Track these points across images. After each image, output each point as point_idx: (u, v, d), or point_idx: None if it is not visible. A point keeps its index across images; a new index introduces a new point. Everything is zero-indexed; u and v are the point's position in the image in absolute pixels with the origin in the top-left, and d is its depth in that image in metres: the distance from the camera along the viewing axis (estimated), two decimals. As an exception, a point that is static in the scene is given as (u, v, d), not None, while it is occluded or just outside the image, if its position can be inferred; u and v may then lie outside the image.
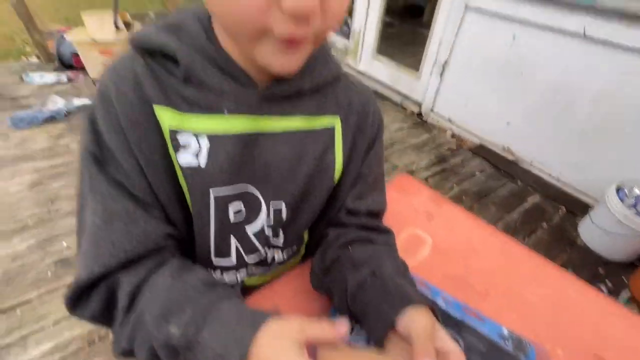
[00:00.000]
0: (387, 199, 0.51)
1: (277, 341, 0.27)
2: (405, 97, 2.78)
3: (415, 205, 0.63)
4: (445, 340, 0.32)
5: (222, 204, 0.38)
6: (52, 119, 2.28)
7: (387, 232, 0.49)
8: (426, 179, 2.01)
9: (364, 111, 0.45)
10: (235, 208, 0.39)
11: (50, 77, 2.77)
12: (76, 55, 2.71)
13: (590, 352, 0.45)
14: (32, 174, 1.85)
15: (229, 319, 0.29)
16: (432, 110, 2.58)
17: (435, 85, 2.47)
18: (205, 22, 0.35)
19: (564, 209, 1.87)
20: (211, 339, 0.28)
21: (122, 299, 0.33)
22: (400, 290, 0.36)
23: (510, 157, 2.18)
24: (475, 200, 1.89)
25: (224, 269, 0.45)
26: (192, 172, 0.35)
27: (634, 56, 1.53)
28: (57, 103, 2.37)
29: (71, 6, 4.80)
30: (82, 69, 2.75)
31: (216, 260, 0.43)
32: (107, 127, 0.33)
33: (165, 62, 0.35)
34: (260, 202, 0.41)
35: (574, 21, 1.66)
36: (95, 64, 2.57)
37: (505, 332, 0.43)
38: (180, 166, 0.35)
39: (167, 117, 0.34)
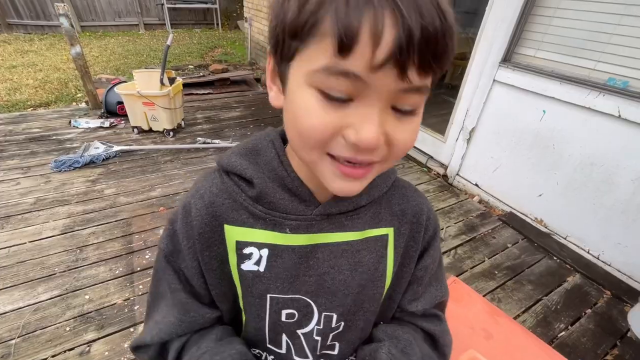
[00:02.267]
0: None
1: None
2: (431, 157, 2.79)
3: (471, 319, 0.59)
4: None
5: (276, 307, 0.42)
6: (91, 163, 2.41)
7: (436, 318, 0.49)
8: (455, 249, 1.94)
9: (417, 222, 0.46)
10: (287, 312, 0.43)
11: (95, 122, 2.98)
12: (121, 103, 2.93)
13: None
14: (66, 218, 1.90)
15: None
16: (458, 173, 2.57)
17: (461, 150, 2.49)
18: (279, 146, 0.40)
19: (609, 294, 1.73)
20: None
21: (171, 353, 0.43)
22: None
23: (543, 229, 2.09)
24: (509, 277, 1.78)
25: (276, 354, 0.47)
26: (253, 275, 0.41)
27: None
28: (98, 148, 2.51)
29: (122, 57, 5.32)
30: (124, 116, 2.95)
31: (270, 346, 0.46)
32: (182, 233, 0.41)
33: (240, 182, 0.40)
34: (312, 310, 0.43)
35: (608, 102, 1.67)
36: (137, 113, 2.76)
37: None
38: (241, 271, 0.41)
39: (234, 233, 0.40)
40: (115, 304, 1.44)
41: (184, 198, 0.43)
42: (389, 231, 0.44)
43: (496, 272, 1.80)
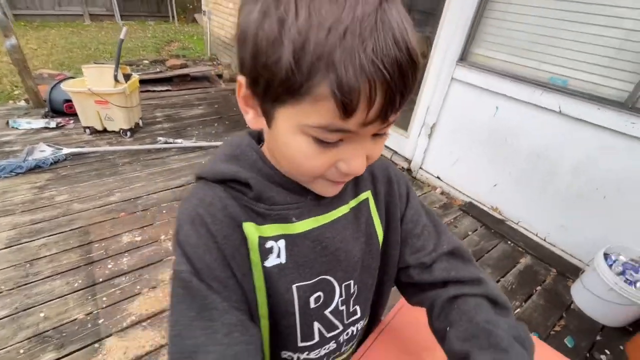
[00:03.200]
0: None
1: None
2: (395, 152, 2.90)
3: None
4: None
5: (304, 296, 0.43)
6: (37, 167, 2.19)
7: (482, 283, 0.46)
8: (422, 239, 2.04)
9: (388, 180, 0.51)
10: (315, 296, 0.44)
11: (38, 122, 2.71)
12: (68, 101, 2.69)
13: None
14: (10, 230, 1.72)
15: None
16: (421, 167, 2.70)
17: (423, 145, 2.61)
18: (257, 149, 0.41)
19: (555, 271, 1.93)
20: None
21: None
22: None
23: (498, 216, 2.27)
24: (471, 262, 1.91)
25: (309, 348, 0.47)
26: (278, 270, 0.41)
27: (605, 134, 1.71)
28: (44, 151, 2.29)
29: (65, 51, 4.86)
30: (74, 115, 2.72)
31: (302, 344, 0.46)
32: (203, 248, 0.37)
33: (237, 186, 0.40)
34: (334, 286, 0.45)
35: (550, 99, 1.85)
36: (88, 112, 2.55)
37: None
38: (265, 269, 0.40)
39: (253, 230, 0.40)
40: (76, 319, 1.34)
41: (184, 215, 0.39)
42: (368, 194, 0.49)
43: (459, 259, 1.93)
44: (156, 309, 1.42)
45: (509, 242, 2.11)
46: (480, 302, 0.44)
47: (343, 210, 0.45)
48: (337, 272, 0.45)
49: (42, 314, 1.34)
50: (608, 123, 1.68)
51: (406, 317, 0.66)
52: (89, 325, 1.32)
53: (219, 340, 0.34)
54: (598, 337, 1.58)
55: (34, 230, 1.74)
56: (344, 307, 0.48)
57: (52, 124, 2.71)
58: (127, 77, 2.58)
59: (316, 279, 0.43)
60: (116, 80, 2.47)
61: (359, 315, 0.51)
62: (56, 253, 1.63)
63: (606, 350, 1.52)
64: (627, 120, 1.61)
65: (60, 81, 2.70)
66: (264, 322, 0.43)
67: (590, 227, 1.86)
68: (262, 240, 0.40)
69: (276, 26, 0.27)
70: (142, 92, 3.10)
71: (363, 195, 0.48)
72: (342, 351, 0.52)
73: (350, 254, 0.46)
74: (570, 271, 1.91)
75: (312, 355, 0.48)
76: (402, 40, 0.27)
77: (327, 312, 0.46)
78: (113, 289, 1.49)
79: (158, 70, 4.14)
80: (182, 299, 0.36)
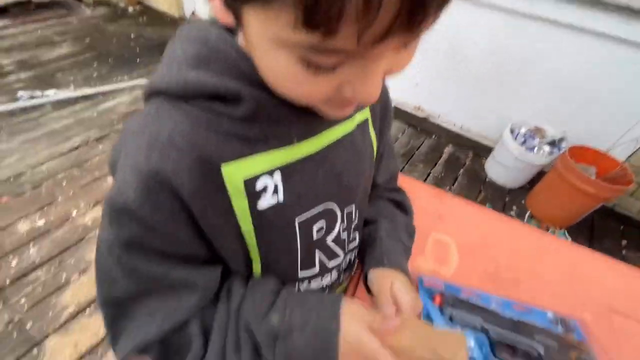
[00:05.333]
0: None
1: (354, 319, 0.32)
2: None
3: (422, 205, 0.63)
4: (400, 294, 0.37)
5: (307, 227, 0.38)
6: None
7: (397, 191, 0.55)
8: (360, 150, 2.09)
9: (385, 100, 0.46)
10: (318, 226, 0.39)
11: None
12: None
13: (604, 307, 0.54)
14: None
15: (312, 300, 0.35)
16: (345, 79, 2.62)
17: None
18: (236, 45, 0.28)
19: (471, 154, 2.20)
20: (303, 328, 0.32)
21: (195, 338, 0.33)
22: (379, 255, 0.44)
23: (421, 115, 2.41)
24: (405, 162, 2.06)
25: (310, 278, 0.44)
26: (274, 210, 0.34)
27: (508, 15, 1.79)
28: None
29: None
30: None
31: (302, 273, 0.42)
32: (153, 206, 0.28)
33: (215, 105, 0.29)
34: (336, 214, 0.41)
35: (461, -15, 1.82)
36: None
37: (551, 315, 0.48)
38: (258, 213, 0.33)
39: (237, 171, 0.31)
40: (-7, 333, 1.11)
41: (128, 169, 0.28)
42: (367, 114, 0.43)
43: (395, 161, 2.06)
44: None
45: (434, 137, 2.29)
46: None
47: (349, 127, 0.39)
48: (340, 197, 0.40)
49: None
50: (509, 3, 1.75)
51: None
52: (15, 335, 1.11)
53: (155, 305, 0.33)
54: (507, 199, 1.92)
55: None
56: (345, 234, 0.44)
57: None
58: None
59: (318, 208, 0.38)
60: None
61: (357, 241, 0.48)
62: None
63: (514, 207, 1.87)
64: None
65: None
66: (256, 266, 0.38)
67: (498, 109, 2.09)
68: (251, 181, 0.31)
69: None
70: (-37, 32, 2.21)
71: (363, 115, 0.42)
72: (341, 280, 0.49)
73: (353, 179, 0.41)
74: (483, 151, 2.19)
75: (314, 285, 0.45)
76: None
77: (329, 240, 0.42)
78: (30, 287, 1.24)
79: (-23, -2, 2.95)
80: (108, 269, 0.32)
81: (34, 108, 2.02)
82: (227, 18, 0.25)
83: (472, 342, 0.42)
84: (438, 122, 2.37)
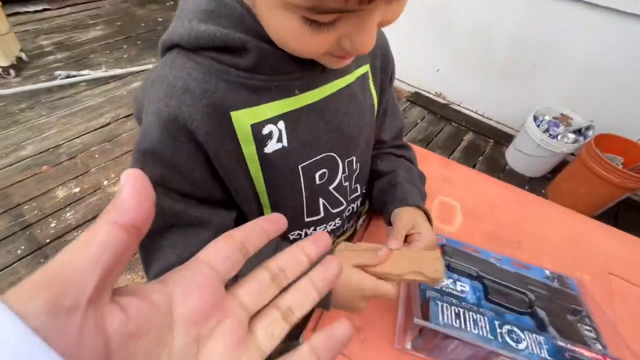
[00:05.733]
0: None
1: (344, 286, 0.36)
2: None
3: (432, 173, 0.66)
4: (420, 227, 0.42)
5: (309, 174, 0.41)
6: None
7: (406, 148, 0.59)
8: (377, 135, 2.09)
9: (385, 54, 0.48)
10: (320, 173, 0.43)
11: None
12: None
13: (604, 270, 0.55)
14: None
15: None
16: (366, 64, 2.61)
17: (366, 38, 2.47)
18: (241, 1, 0.31)
19: (492, 142, 2.15)
20: None
21: None
22: (402, 195, 0.48)
23: (442, 101, 2.38)
24: (423, 146, 2.04)
25: (315, 223, 0.48)
26: (280, 154, 0.37)
27: (532, 1, 1.73)
28: None
29: None
30: None
31: (308, 219, 0.46)
32: (173, 147, 0.33)
33: (223, 56, 0.32)
34: (338, 163, 0.44)
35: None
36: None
37: (548, 272, 0.50)
38: (265, 156, 0.36)
39: (245, 117, 0.34)
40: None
41: (149, 110, 0.33)
42: (367, 68, 0.45)
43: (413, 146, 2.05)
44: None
45: (454, 124, 2.26)
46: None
47: (348, 79, 0.42)
48: (341, 148, 0.43)
49: (-8, 288, 1.20)
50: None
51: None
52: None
53: (176, 240, 0.37)
54: (526, 187, 1.88)
55: None
56: (347, 184, 0.47)
57: None
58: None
59: (320, 156, 0.41)
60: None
61: (359, 192, 0.51)
62: (-22, 225, 1.39)
63: (533, 196, 1.83)
64: (557, -20, 1.62)
65: None
66: (267, 211, 0.41)
67: (521, 96, 2.03)
68: (257, 127, 0.35)
69: None
70: (8, 15, 2.36)
71: (363, 69, 0.45)
72: (345, 229, 0.53)
73: (354, 130, 0.44)
74: (504, 139, 2.15)
75: (320, 230, 0.48)
76: None
77: (331, 188, 0.45)
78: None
79: (19, -17, 3.13)
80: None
81: (70, 86, 2.15)
82: None
83: (467, 287, 0.45)
84: (459, 109, 2.33)
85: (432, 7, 2.08)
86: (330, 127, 0.40)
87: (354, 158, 0.46)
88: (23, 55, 2.28)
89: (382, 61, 0.47)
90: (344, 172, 0.45)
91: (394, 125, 0.56)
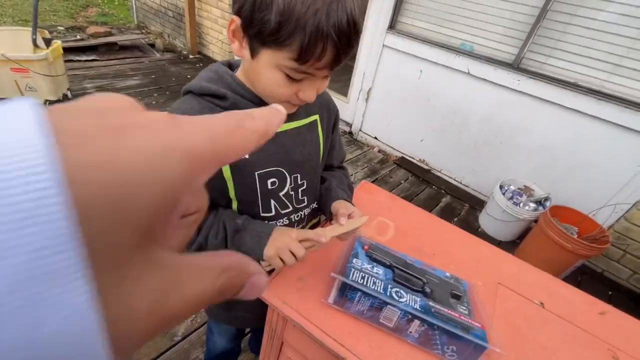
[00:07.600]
0: (354, 189, 0.82)
1: (283, 233, 0.57)
2: (338, 118, 3.13)
3: (378, 201, 0.87)
4: (353, 208, 0.63)
5: (263, 180, 0.60)
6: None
7: (344, 169, 0.81)
8: (363, 189, 2.33)
9: (329, 108, 0.71)
10: (271, 181, 0.61)
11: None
12: (-25, 72, 2.37)
13: (495, 281, 0.73)
14: None
15: (259, 223, 0.61)
16: (360, 129, 2.97)
17: (362, 109, 2.87)
18: (232, 73, 0.57)
19: (468, 206, 2.38)
20: (253, 228, 0.59)
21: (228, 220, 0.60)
22: (336, 194, 0.69)
23: (425, 167, 2.66)
24: (404, 204, 2.26)
25: (268, 218, 0.65)
26: (243, 162, 0.57)
27: (500, 90, 2.11)
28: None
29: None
30: (-16, 87, 2.41)
31: (262, 214, 0.64)
32: None
33: (213, 100, 0.55)
34: (285, 176, 0.63)
35: (461, 62, 2.20)
36: (4, 82, 2.30)
37: (448, 274, 0.68)
38: (234, 162, 0.59)
39: None
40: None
41: None
42: (317, 117, 0.67)
43: (394, 202, 2.27)
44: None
45: (434, 187, 2.51)
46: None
47: (298, 123, 0.63)
48: (289, 166, 0.63)
49: None
50: (502, 81, 2.07)
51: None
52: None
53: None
54: (496, 249, 2.04)
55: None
56: (293, 193, 0.66)
57: (-43, 97, 2.38)
58: (47, 42, 2.35)
59: (271, 169, 0.61)
60: (35, 45, 2.25)
61: (306, 203, 0.70)
62: None
63: (500, 257, 1.98)
64: (514, 78, 2.02)
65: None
66: (235, 203, 0.62)
67: (492, 168, 2.31)
68: None
69: None
70: (65, 62, 2.83)
71: (313, 117, 0.67)
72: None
73: (299, 156, 0.63)
74: (478, 204, 2.37)
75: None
76: (351, 19, 0.45)
77: (280, 194, 0.64)
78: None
79: (78, 37, 3.74)
80: None
81: (103, 122, 2.49)
82: (242, 54, 0.51)
83: (381, 271, 0.63)
84: (439, 175, 2.61)
85: (419, 91, 2.50)
86: (281, 150, 0.60)
87: (299, 175, 0.65)
88: (69, 94, 2.68)
89: (328, 114, 0.70)
90: (291, 184, 0.64)
91: (339, 155, 0.79)
